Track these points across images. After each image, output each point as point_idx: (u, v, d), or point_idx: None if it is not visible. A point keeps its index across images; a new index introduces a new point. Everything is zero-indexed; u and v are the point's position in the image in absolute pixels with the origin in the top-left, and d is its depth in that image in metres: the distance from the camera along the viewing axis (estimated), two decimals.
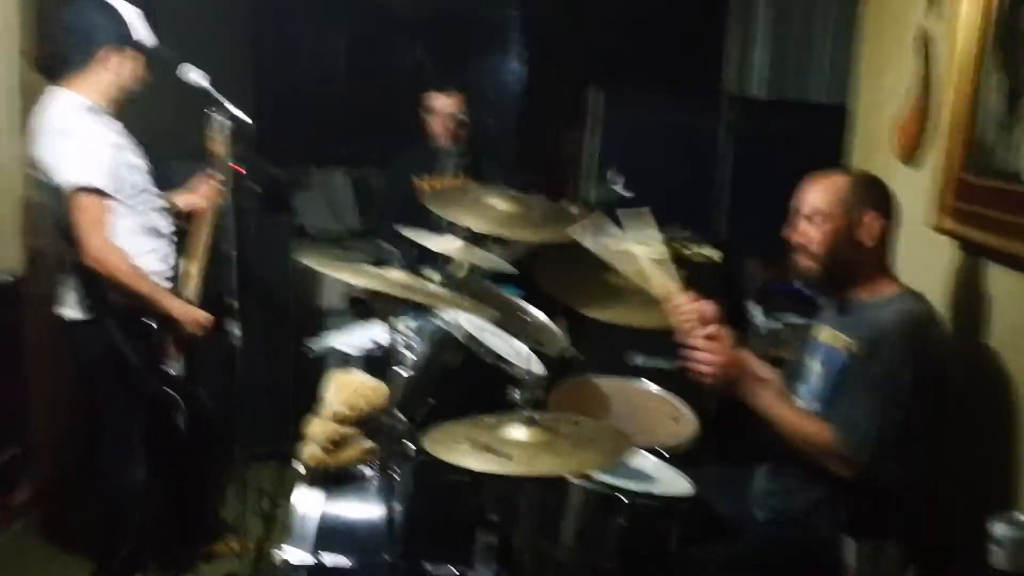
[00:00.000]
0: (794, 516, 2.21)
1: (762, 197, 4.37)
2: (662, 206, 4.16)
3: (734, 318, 4.08)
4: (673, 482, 2.20)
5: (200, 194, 3.09)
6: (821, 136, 4.29)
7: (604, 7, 5.59)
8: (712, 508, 2.19)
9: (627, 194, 2.89)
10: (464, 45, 5.84)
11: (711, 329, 2.16)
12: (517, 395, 2.19)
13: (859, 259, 2.21)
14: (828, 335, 2.30)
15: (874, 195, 2.24)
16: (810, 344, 2.39)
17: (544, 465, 1.68)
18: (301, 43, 5.96)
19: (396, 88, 5.66)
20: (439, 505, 2.52)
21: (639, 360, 4.03)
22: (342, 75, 6.10)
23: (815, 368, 2.32)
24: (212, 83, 2.88)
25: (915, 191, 2.68)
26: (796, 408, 2.24)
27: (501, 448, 1.69)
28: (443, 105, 3.59)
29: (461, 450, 1.71)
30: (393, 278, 2.05)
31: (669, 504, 2.10)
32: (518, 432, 1.79)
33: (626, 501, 2.04)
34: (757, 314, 4.22)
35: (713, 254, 4.21)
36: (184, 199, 3.13)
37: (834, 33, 5.07)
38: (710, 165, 4.66)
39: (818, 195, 2.23)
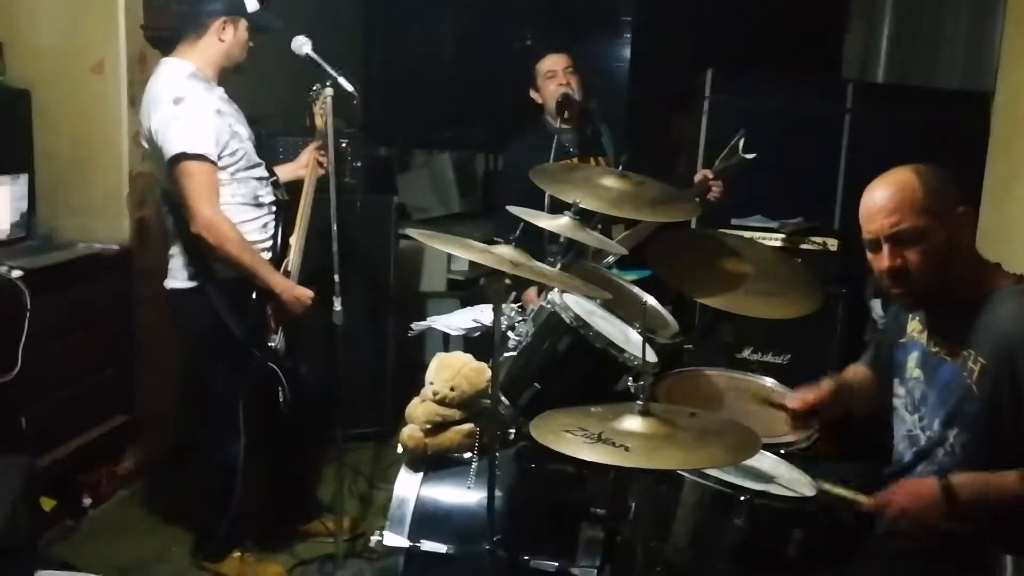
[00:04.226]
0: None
1: None
2: (777, 193, 4.10)
3: (852, 311, 3.97)
4: (794, 482, 2.05)
5: (302, 164, 3.09)
6: (949, 123, 4.08)
7: None
8: (837, 511, 2.02)
9: (749, 157, 2.75)
10: (572, 28, 5.73)
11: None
12: (630, 383, 2.06)
13: (965, 263, 1.94)
14: (924, 336, 2.07)
15: (951, 183, 1.93)
16: (902, 338, 2.16)
17: (666, 459, 1.55)
18: (408, 27, 5.98)
19: (502, 72, 5.59)
20: (541, 495, 2.43)
21: (747, 353, 3.90)
22: (448, 58, 6.08)
23: (912, 370, 2.10)
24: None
25: None
26: (994, 480, 1.88)
27: (616, 439, 1.57)
28: (554, 63, 3.52)
29: (573, 439, 1.59)
30: (502, 254, 1.95)
31: (791, 505, 1.95)
32: (632, 423, 1.66)
33: (744, 500, 1.90)
34: (876, 307, 4.05)
35: (831, 244, 4.03)
36: (287, 170, 3.13)
37: (969, 15, 4.76)
38: (828, 152, 4.46)
39: (898, 207, 1.89)
